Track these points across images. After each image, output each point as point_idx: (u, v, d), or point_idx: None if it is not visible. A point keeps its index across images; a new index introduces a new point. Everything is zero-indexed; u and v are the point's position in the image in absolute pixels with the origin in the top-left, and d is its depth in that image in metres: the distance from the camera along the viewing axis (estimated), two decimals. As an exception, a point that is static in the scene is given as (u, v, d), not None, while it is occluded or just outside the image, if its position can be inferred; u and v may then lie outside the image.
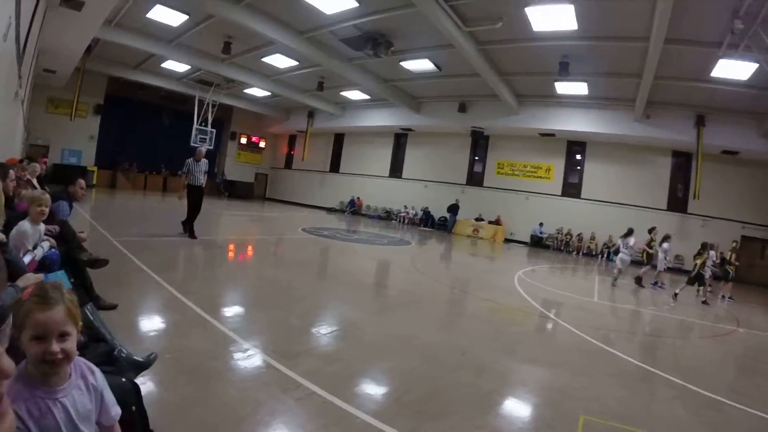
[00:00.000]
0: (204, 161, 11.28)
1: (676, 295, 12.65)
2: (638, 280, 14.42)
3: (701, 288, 13.07)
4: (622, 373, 5.74)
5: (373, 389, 4.17)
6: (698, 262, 13.23)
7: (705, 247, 13.54)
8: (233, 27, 16.69)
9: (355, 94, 25.60)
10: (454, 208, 25.55)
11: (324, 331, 5.59)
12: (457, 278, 12.10)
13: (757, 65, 14.00)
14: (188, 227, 11.15)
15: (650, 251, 14.74)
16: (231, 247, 11.18)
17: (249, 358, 4.36)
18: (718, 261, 14.13)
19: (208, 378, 3.82)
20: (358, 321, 6.16)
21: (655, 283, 14.20)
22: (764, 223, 20.97)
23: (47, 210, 4.31)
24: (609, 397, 4.79)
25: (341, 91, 25.10)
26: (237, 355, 4.38)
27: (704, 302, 12.64)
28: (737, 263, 14.47)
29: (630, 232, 14.54)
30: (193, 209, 11.21)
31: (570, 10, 13.02)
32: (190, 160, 11.12)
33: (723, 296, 13.79)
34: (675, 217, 21.81)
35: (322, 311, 6.55)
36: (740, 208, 21.11)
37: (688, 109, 19.59)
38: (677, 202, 22.40)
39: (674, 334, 9.30)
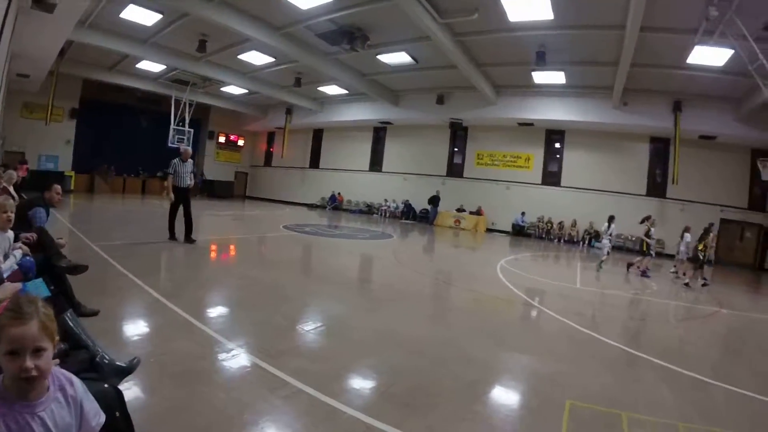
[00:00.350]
0: (190, 161, 11.04)
1: (687, 284, 12.92)
2: (629, 266, 14.55)
3: (700, 271, 13.34)
4: (607, 358, 5.84)
5: (360, 384, 4.17)
6: (700, 246, 13.44)
7: (707, 231, 13.78)
8: (208, 25, 16.44)
9: (333, 89, 25.45)
10: (434, 200, 25.72)
11: (309, 328, 5.58)
12: (441, 270, 12.16)
13: (732, 51, 14.16)
14: (185, 232, 10.74)
15: (649, 241, 14.78)
16: (213, 248, 11.01)
17: (234, 358, 4.33)
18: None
19: (194, 380, 3.78)
20: (343, 317, 6.18)
21: (644, 272, 14.30)
22: (742, 206, 21.43)
23: (13, 216, 4.20)
24: (595, 382, 4.86)
25: (319, 86, 24.93)
26: (222, 356, 4.35)
27: (686, 285, 12.91)
28: (713, 246, 14.60)
29: (611, 219, 14.80)
30: (178, 211, 10.83)
31: (546, -1, 13.09)
32: (176, 161, 10.84)
33: (700, 279, 14.00)
34: (654, 202, 22.08)
35: (306, 309, 6.50)
36: (718, 191, 21.49)
37: (665, 95, 19.79)
38: (656, 188, 22.78)
39: (658, 318, 9.46)
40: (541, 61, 16.67)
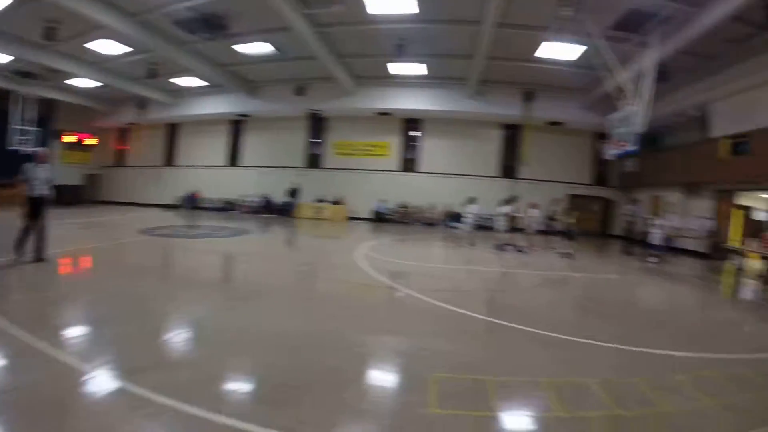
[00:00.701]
0: (47, 166, 9.43)
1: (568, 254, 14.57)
2: (503, 245, 15.53)
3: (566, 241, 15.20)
4: (470, 330, 6.20)
5: (227, 388, 4.06)
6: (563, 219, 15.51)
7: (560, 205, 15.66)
8: (55, 9, 14.98)
9: (189, 81, 24.20)
10: (294, 192, 25.47)
11: (172, 337, 5.26)
12: (303, 261, 12.09)
13: (579, 47, 15.99)
14: (36, 249, 9.03)
15: (521, 216, 16.20)
16: (63, 262, 9.94)
17: (92, 382, 3.89)
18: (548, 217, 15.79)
19: (47, 415, 3.36)
20: (206, 320, 5.86)
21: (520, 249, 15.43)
22: (587, 183, 24.85)
23: None
24: (459, 353, 5.15)
25: (174, 77, 23.64)
26: (78, 382, 3.89)
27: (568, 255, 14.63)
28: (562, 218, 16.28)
29: (473, 201, 16.45)
30: (32, 226, 9.06)
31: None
32: (29, 164, 9.20)
33: (556, 249, 15.56)
34: (506, 182, 24.06)
35: (167, 317, 6.08)
36: (566, 170, 24.63)
37: (517, 86, 21.82)
38: (509, 170, 25.09)
39: (519, 287, 10.23)
40: (401, 53, 17.23)
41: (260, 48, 18.61)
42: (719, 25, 12.88)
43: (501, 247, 15.40)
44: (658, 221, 16.01)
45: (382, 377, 4.63)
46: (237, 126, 28.55)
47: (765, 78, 14.89)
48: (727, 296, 11.48)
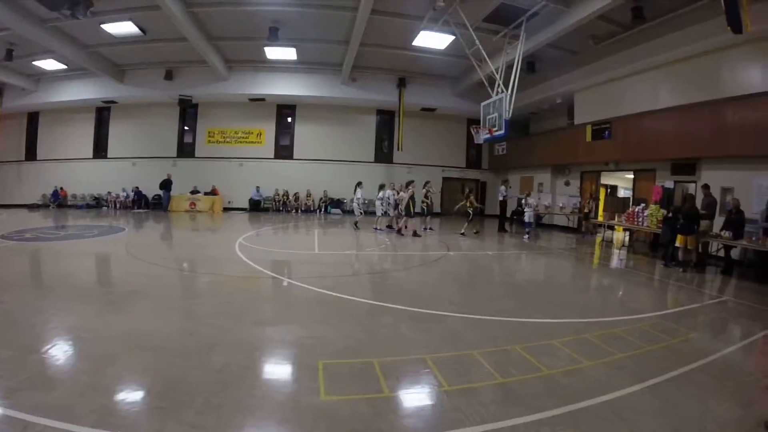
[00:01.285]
0: None
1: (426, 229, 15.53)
2: (398, 230, 15.87)
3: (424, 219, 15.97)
4: (350, 314, 6.20)
5: (108, 399, 3.60)
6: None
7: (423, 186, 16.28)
8: None
9: (50, 64, 21.52)
10: (166, 184, 24.01)
11: (43, 352, 4.53)
12: (179, 257, 11.41)
13: (453, 37, 16.37)
14: None
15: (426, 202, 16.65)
16: None
17: None
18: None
19: None
20: (79, 330, 5.21)
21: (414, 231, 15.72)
22: (461, 166, 26.48)
23: None
24: (343, 337, 5.14)
25: (34, 60, 20.94)
26: None
27: (415, 233, 15.24)
28: (428, 200, 16.70)
29: (359, 185, 16.85)
30: None
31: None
32: None
33: (425, 228, 16.34)
34: (382, 167, 24.86)
35: (37, 330, 5.23)
36: (440, 154, 25.67)
37: (391, 72, 22.22)
38: (384, 155, 25.75)
39: (395, 268, 10.38)
40: (274, 37, 16.87)
41: (126, 28, 17.26)
42: (586, 23, 13.91)
43: (380, 230, 15.67)
44: (528, 200, 17.07)
45: (271, 370, 4.48)
46: (103, 114, 26.00)
47: (625, 72, 16.39)
48: (597, 265, 12.34)
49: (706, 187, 12.13)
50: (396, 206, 16.18)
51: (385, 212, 16.80)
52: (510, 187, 19.87)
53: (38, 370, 4.09)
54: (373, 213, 18.00)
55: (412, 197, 15.59)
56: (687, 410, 3.76)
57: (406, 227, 15.75)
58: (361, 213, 17.21)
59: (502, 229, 18.65)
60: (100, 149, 26.03)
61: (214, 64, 20.13)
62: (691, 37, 13.37)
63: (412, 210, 15.65)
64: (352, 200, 17.10)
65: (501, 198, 18.77)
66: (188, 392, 3.70)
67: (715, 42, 12.73)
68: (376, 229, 16.47)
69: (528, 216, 16.61)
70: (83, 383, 3.82)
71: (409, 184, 15.77)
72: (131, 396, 3.70)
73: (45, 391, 3.67)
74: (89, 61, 20.25)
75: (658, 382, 4.25)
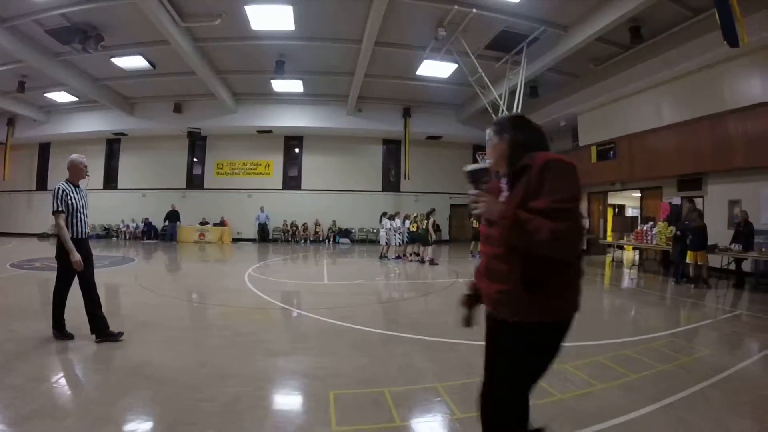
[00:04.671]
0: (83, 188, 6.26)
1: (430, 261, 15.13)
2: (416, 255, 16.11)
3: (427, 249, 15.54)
4: (361, 343, 6.12)
5: (120, 430, 3.58)
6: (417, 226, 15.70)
7: (429, 215, 15.90)
8: None
9: (62, 96, 21.99)
10: (172, 215, 24.22)
11: (54, 382, 4.53)
12: (188, 289, 11.33)
13: (456, 65, 16.63)
14: (92, 319, 5.94)
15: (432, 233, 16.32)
16: None
17: None
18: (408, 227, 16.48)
19: None
20: (91, 360, 5.24)
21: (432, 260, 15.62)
22: (467, 193, 25.15)
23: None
24: (352, 367, 5.07)
25: (46, 92, 21.36)
26: None
27: (424, 261, 15.27)
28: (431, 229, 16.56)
29: (384, 215, 17.04)
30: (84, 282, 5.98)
31: (289, 11, 13.50)
32: (64, 186, 5.83)
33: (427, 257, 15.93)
34: (390, 196, 24.83)
35: (47, 360, 5.23)
36: (446, 182, 25.55)
37: (396, 102, 22.55)
38: (391, 183, 25.84)
39: (404, 297, 10.36)
40: (281, 70, 17.10)
41: (136, 62, 17.58)
42: (585, 46, 14.18)
43: (389, 259, 15.74)
44: None
45: (282, 400, 4.44)
46: (114, 146, 26.54)
47: (627, 92, 16.54)
48: (608, 286, 12.37)
49: (690, 201, 12.25)
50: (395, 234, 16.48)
51: (387, 241, 17.06)
52: None
53: (49, 400, 4.12)
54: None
55: (434, 225, 15.81)
56: (702, 429, 3.73)
57: (426, 256, 15.69)
58: (386, 243, 17.18)
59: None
60: (110, 180, 26.42)
61: (221, 97, 20.45)
62: (689, 53, 13.54)
63: (431, 238, 15.68)
64: (379, 229, 17.09)
65: None
66: (200, 424, 3.69)
67: (713, 56, 12.88)
68: (385, 257, 16.54)
69: None
70: (94, 414, 3.81)
71: (430, 213, 15.88)
72: (142, 427, 3.69)
73: (56, 420, 3.68)
74: (100, 93, 20.68)
75: (672, 402, 4.21)
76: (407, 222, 16.71)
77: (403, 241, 16.98)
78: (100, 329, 5.88)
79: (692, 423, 3.83)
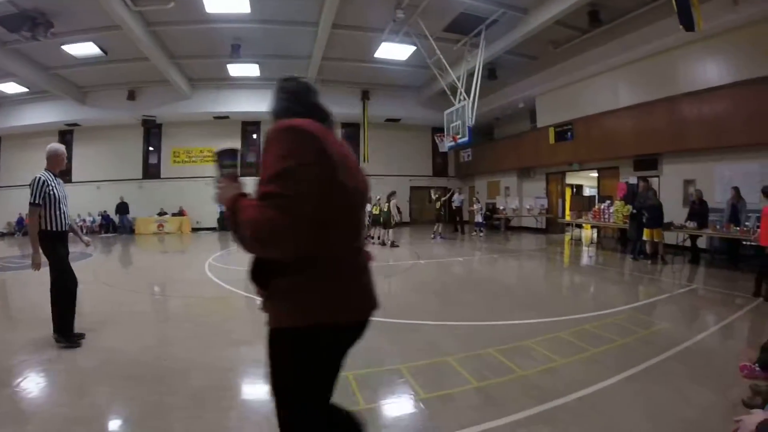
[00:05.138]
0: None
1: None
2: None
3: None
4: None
5: (86, 430, 3.45)
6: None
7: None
8: None
9: (11, 87, 20.79)
10: (122, 208, 23.63)
11: (15, 386, 4.30)
12: (148, 281, 10.93)
13: (414, 48, 16.65)
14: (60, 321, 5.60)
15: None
16: None
17: None
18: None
19: None
20: (52, 361, 4.96)
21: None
22: (427, 174, 26.83)
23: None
24: None
25: None
26: None
27: (385, 244, 15.55)
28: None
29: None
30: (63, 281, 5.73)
31: (244, -7, 13.19)
32: (46, 176, 5.70)
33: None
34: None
35: (7, 364, 4.95)
36: (406, 164, 25.52)
37: (355, 85, 22.51)
38: None
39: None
40: (236, 54, 16.85)
41: (87, 49, 16.92)
42: (544, 29, 14.32)
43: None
44: (477, 204, 19.61)
45: (248, 390, 4.35)
46: (66, 137, 25.01)
47: (584, 74, 16.83)
48: (568, 264, 12.67)
49: (645, 180, 12.50)
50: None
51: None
52: (462, 194, 21.34)
53: (11, 405, 3.94)
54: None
55: (396, 207, 16.03)
56: (663, 399, 3.83)
57: (388, 238, 15.84)
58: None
59: (455, 230, 20.24)
60: (63, 173, 24.60)
61: (176, 83, 19.97)
62: (646, 37, 13.81)
63: (392, 221, 15.83)
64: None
65: (457, 204, 20.24)
66: (165, 418, 3.60)
67: (669, 41, 13.20)
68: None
69: (480, 217, 19.27)
70: (59, 415, 3.68)
71: (390, 196, 15.94)
72: (108, 426, 3.58)
73: (20, 425, 3.54)
74: (51, 83, 19.83)
75: (633, 374, 4.32)
76: (368, 205, 16.62)
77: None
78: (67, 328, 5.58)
79: (653, 393, 3.93)
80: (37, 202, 5.36)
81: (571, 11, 12.99)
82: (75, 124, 24.01)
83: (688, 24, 9.28)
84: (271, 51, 18.08)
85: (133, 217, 23.92)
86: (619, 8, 13.79)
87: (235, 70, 19.87)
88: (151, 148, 25.16)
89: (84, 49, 16.80)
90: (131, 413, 3.71)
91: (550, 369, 4.48)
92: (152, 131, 24.62)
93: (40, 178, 5.48)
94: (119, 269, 13.50)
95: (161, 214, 24.02)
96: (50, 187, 5.46)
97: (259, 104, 22.21)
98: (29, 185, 5.41)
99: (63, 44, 16.16)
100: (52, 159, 5.74)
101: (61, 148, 5.84)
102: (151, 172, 25.10)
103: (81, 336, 5.64)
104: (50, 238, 5.42)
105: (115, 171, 24.83)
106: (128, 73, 19.84)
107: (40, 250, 5.34)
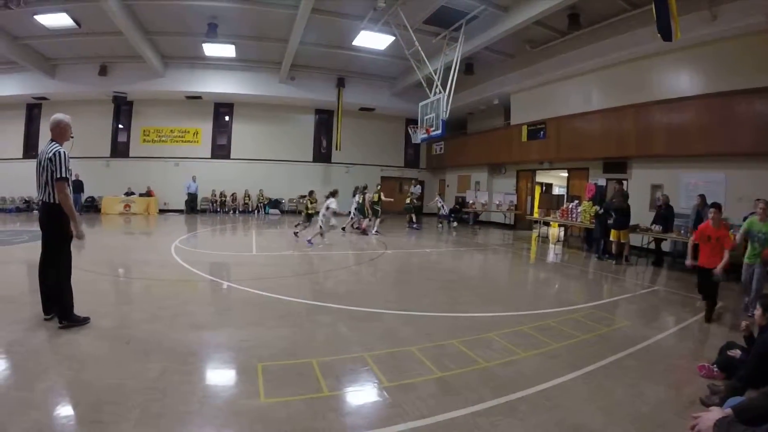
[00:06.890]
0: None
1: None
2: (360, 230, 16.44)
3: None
4: (287, 314, 6.11)
5: (42, 415, 3.33)
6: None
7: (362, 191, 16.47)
8: None
9: None
10: (77, 186, 21.96)
11: None
12: (112, 262, 10.51)
13: (393, 38, 16.65)
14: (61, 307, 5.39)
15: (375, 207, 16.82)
16: None
17: None
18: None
19: None
20: (8, 344, 4.70)
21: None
22: (399, 165, 27.15)
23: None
24: (281, 339, 5.08)
25: None
26: None
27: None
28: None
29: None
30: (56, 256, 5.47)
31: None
32: (63, 149, 5.30)
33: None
34: (321, 167, 25.13)
35: None
36: (379, 154, 25.96)
37: (331, 72, 22.42)
38: (322, 154, 25.87)
39: (333, 267, 10.35)
40: (213, 33, 16.66)
41: (60, 20, 16.36)
42: (523, 28, 14.49)
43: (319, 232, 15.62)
44: (438, 198, 20.80)
45: (210, 374, 4.31)
46: (34, 111, 24.35)
47: (560, 75, 17.05)
48: (534, 260, 12.87)
49: (619, 183, 12.91)
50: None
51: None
52: (419, 188, 23.05)
53: None
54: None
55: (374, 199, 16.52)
56: (620, 394, 3.95)
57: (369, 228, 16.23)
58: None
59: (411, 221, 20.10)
60: (30, 149, 23.93)
61: (149, 60, 19.52)
62: (622, 44, 14.06)
63: (367, 212, 16.29)
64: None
65: (416, 196, 20.73)
66: (125, 403, 3.52)
67: (644, 49, 13.45)
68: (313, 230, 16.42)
69: (443, 210, 20.46)
70: (14, 399, 3.56)
71: (364, 189, 16.59)
72: (65, 410, 3.47)
73: None
74: (20, 54, 19.12)
75: (592, 370, 4.44)
76: (356, 196, 17.10)
77: (352, 215, 17.31)
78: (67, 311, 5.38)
79: (610, 389, 4.05)
80: (65, 176, 5.10)
81: (551, 12, 13.13)
82: (43, 98, 23.13)
83: (666, 33, 9.42)
84: (247, 32, 17.89)
85: (99, 196, 23.31)
86: (600, 13, 14.01)
87: (211, 49, 19.47)
88: (120, 126, 24.46)
89: (57, 20, 16.26)
90: (86, 397, 3.62)
91: (512, 361, 4.57)
92: (122, 108, 23.93)
93: (62, 151, 5.18)
94: (82, 250, 13.18)
95: (128, 194, 23.30)
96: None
97: (232, 85, 22.18)
98: (50, 159, 5.08)
99: (36, 14, 15.62)
100: (59, 130, 5.38)
101: (67, 117, 5.52)
102: (119, 150, 24.40)
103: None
104: (63, 213, 5.20)
105: (82, 148, 23.66)
106: (101, 47, 19.38)
107: (81, 220, 5.21)
